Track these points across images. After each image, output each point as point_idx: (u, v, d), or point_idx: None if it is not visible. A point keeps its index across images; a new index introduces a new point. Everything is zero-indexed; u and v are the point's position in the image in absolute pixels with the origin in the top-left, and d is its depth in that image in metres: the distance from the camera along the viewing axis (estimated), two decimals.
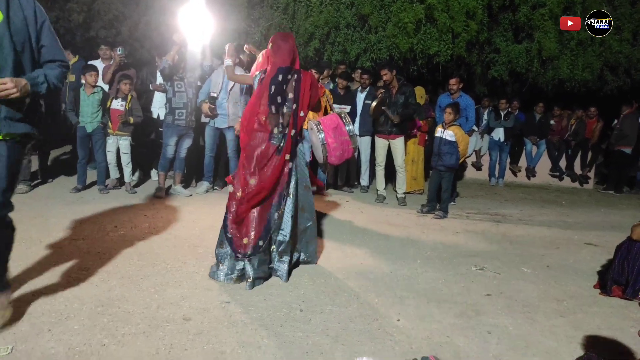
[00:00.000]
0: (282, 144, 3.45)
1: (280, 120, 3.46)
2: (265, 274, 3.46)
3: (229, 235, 3.43)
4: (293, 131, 3.49)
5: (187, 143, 6.02)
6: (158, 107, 6.57)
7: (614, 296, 3.52)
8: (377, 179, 6.70)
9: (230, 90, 6.03)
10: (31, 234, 4.16)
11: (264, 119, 3.44)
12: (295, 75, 3.52)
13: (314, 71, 6.24)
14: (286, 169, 3.49)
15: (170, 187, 6.14)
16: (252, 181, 3.39)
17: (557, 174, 8.95)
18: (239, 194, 3.42)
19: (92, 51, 7.68)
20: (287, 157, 3.47)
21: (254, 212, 3.42)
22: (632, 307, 3.39)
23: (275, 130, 3.44)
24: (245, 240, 3.39)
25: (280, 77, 3.48)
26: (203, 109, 6.04)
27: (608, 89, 8.63)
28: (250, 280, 3.33)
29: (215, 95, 6.00)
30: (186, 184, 6.47)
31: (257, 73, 3.64)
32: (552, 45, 7.75)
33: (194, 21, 5.31)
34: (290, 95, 3.49)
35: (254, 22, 8.67)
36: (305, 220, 3.69)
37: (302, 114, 3.53)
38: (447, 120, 5.78)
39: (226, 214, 3.48)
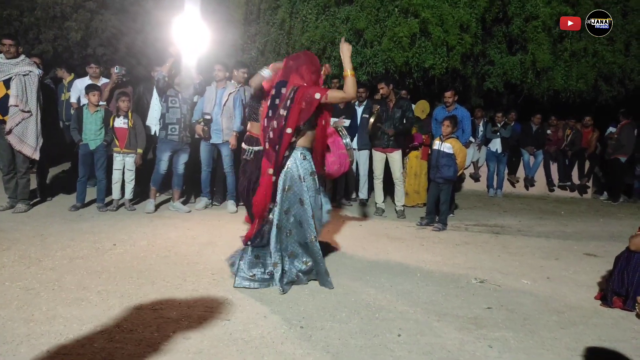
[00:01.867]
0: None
1: (271, 136, 3.63)
2: (255, 279, 3.63)
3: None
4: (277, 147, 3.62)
5: (183, 159, 6.03)
6: (154, 124, 6.58)
7: (614, 307, 3.51)
8: (375, 192, 6.71)
9: (224, 105, 6.07)
10: (30, 253, 4.15)
11: (290, 131, 3.59)
12: (287, 91, 3.63)
13: None
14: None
15: (163, 202, 6.15)
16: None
17: (554, 185, 8.98)
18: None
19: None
20: (270, 171, 3.62)
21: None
22: (633, 318, 3.38)
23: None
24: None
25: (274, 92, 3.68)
26: (197, 131, 6.07)
27: (603, 99, 8.71)
28: (237, 278, 3.61)
29: (209, 117, 6.03)
30: (185, 200, 6.47)
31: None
32: (546, 56, 7.84)
33: (190, 36, 5.38)
34: (282, 112, 3.56)
35: (250, 38, 8.77)
36: (305, 236, 3.67)
37: (288, 130, 3.54)
38: (445, 133, 5.81)
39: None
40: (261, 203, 3.67)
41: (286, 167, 3.61)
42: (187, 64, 5.88)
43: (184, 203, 6.30)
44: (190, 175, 6.65)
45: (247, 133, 5.17)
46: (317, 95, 3.52)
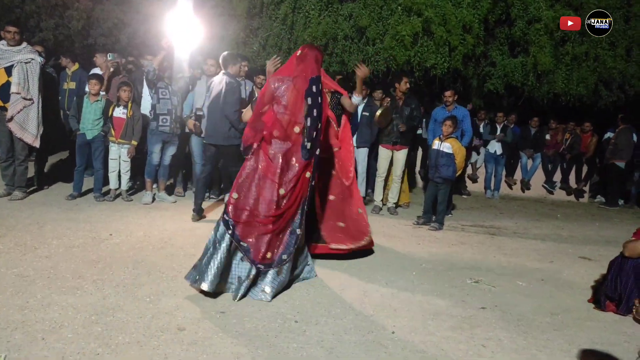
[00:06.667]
0: (310, 160, 3.47)
1: (314, 136, 3.41)
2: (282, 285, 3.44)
3: (245, 245, 3.32)
4: (318, 149, 3.51)
5: (171, 150, 6.03)
6: (147, 114, 6.50)
7: (607, 311, 3.53)
8: (375, 189, 6.72)
9: None
10: (26, 241, 4.15)
11: (297, 130, 3.39)
12: (321, 87, 3.51)
13: None
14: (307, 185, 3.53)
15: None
16: (282, 191, 3.39)
17: (551, 187, 9.00)
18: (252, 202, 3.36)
19: (90, 58, 7.69)
20: (308, 175, 3.51)
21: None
22: (626, 321, 3.40)
23: (308, 146, 3.41)
24: (269, 255, 3.36)
25: (314, 89, 3.41)
26: (188, 125, 6.05)
27: (602, 104, 8.71)
28: (269, 292, 3.32)
29: (201, 113, 5.99)
30: (174, 191, 6.49)
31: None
32: (548, 59, 7.83)
33: (184, 29, 5.35)
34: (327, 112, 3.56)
35: (252, 32, 8.73)
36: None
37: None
38: (446, 133, 5.81)
39: (233, 223, 3.35)
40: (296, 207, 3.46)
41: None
42: (179, 57, 5.88)
43: (169, 193, 6.32)
44: (182, 167, 6.67)
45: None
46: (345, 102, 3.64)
